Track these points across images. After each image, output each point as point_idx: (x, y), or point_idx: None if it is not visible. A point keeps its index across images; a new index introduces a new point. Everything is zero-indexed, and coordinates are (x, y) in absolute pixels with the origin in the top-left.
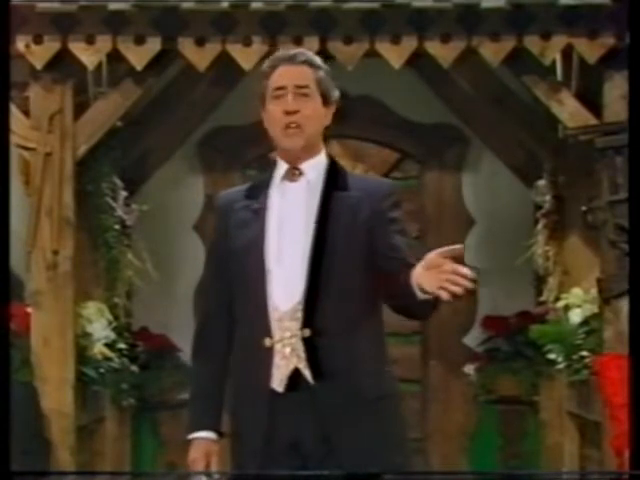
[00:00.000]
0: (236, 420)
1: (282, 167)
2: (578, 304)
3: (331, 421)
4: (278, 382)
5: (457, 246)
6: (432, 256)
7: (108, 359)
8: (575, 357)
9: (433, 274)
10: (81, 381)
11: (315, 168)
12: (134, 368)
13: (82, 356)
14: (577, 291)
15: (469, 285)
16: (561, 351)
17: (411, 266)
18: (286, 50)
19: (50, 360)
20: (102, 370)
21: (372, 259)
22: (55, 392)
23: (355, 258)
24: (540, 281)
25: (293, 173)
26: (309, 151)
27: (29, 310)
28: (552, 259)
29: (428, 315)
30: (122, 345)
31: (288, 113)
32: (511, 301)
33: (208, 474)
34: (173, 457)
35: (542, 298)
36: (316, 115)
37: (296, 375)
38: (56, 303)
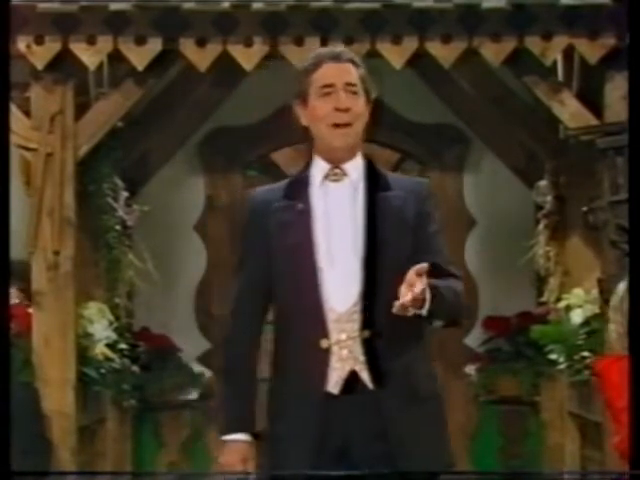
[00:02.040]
0: (283, 422)
1: (321, 166)
2: (579, 304)
3: (390, 422)
4: (333, 384)
5: (421, 265)
6: (409, 274)
7: (109, 359)
8: (576, 357)
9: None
10: (82, 381)
11: (356, 168)
12: (135, 369)
13: (83, 357)
14: (578, 291)
15: (408, 299)
16: (562, 351)
17: (443, 271)
18: (325, 48)
19: (51, 360)
20: (103, 371)
21: (417, 257)
22: (56, 392)
23: (405, 257)
24: (541, 281)
25: (336, 173)
26: (354, 150)
27: (30, 310)
28: (553, 259)
29: (446, 326)
30: (123, 345)
31: (340, 110)
32: (512, 301)
33: (246, 474)
34: (174, 457)
35: (543, 298)
36: (363, 113)
37: (352, 377)
38: (57, 303)
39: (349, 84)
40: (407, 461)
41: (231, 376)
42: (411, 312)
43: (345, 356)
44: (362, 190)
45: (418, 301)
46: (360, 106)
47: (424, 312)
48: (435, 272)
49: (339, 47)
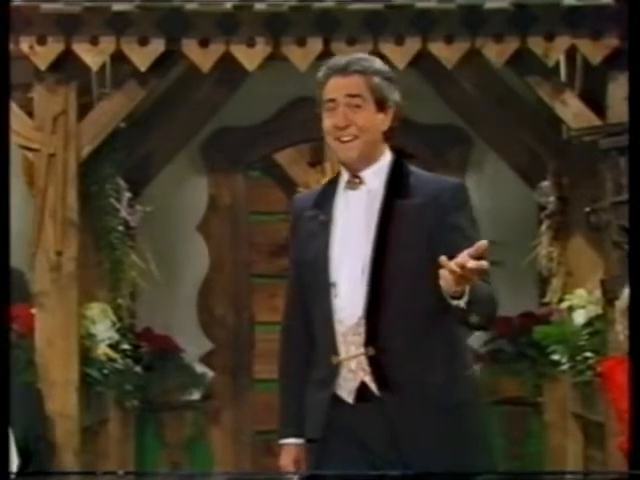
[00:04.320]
0: (307, 429)
1: (344, 175)
2: (582, 305)
3: (399, 431)
4: (347, 394)
5: (480, 243)
6: (458, 259)
7: (112, 360)
8: (579, 358)
9: (445, 274)
10: (85, 382)
11: (377, 175)
12: (138, 369)
13: (86, 357)
14: (581, 292)
15: (468, 273)
16: (565, 352)
17: None
18: (341, 57)
19: (54, 361)
20: (106, 371)
21: (434, 268)
22: (59, 393)
23: (418, 269)
24: (544, 282)
25: (354, 182)
26: (368, 159)
27: (33, 311)
28: (556, 260)
29: (481, 324)
30: (126, 346)
31: (339, 128)
32: (515, 302)
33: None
34: (177, 458)
35: (546, 299)
36: (370, 124)
37: (364, 387)
38: (60, 304)
39: (351, 96)
40: (419, 472)
41: (285, 382)
42: (453, 289)
43: (355, 368)
44: (380, 198)
45: (462, 283)
46: (365, 119)
47: (462, 303)
48: None
49: (352, 56)
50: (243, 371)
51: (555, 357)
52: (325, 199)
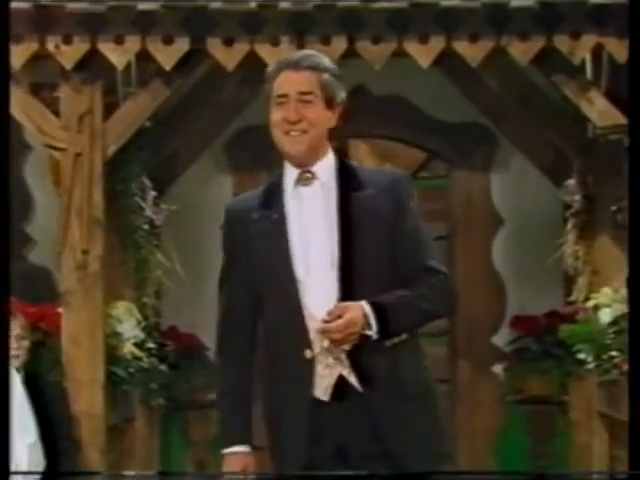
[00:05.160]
0: (276, 434)
1: (292, 171)
2: (608, 304)
3: (382, 422)
4: (322, 391)
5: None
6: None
7: (137, 359)
8: (605, 357)
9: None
10: (111, 381)
11: (326, 169)
12: (163, 367)
13: (112, 356)
14: (607, 291)
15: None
16: (590, 351)
17: (426, 268)
18: (292, 53)
19: (80, 360)
20: (131, 370)
21: (395, 254)
22: (85, 392)
23: (382, 257)
24: (569, 281)
25: (306, 177)
26: (315, 153)
27: (60, 310)
28: (581, 259)
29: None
30: (151, 345)
31: (289, 122)
32: (540, 301)
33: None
34: (202, 456)
35: (571, 298)
36: (319, 120)
37: (341, 382)
38: (86, 303)
39: (302, 93)
40: (402, 459)
41: (226, 395)
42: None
43: (332, 363)
44: (334, 191)
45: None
46: (314, 114)
47: (373, 334)
48: (408, 274)
49: (304, 52)
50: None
51: (581, 356)
52: (271, 198)
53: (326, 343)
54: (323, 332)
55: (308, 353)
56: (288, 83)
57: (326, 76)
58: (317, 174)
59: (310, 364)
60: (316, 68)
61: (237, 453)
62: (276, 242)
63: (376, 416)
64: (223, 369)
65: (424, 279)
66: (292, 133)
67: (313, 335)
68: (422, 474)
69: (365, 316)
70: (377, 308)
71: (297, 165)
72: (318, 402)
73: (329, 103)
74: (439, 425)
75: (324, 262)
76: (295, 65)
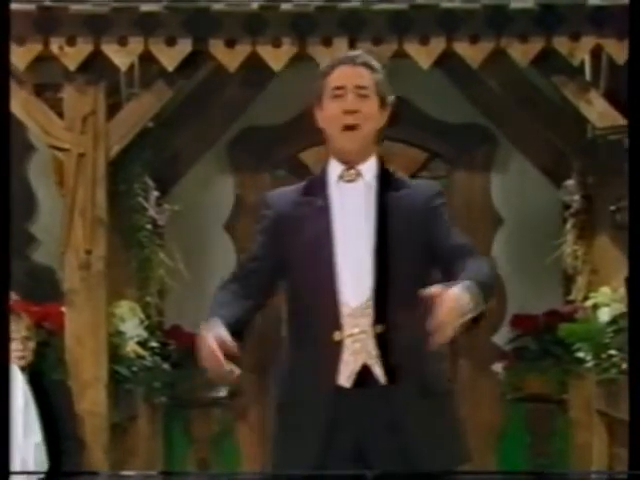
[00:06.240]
0: (293, 415)
1: (336, 167)
2: (606, 303)
3: (401, 416)
4: (345, 378)
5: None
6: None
7: (140, 357)
8: (604, 356)
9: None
10: (114, 379)
11: (369, 170)
12: (166, 366)
13: (115, 354)
14: (605, 290)
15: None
16: (590, 350)
17: (471, 248)
18: (345, 52)
19: (83, 359)
20: (135, 368)
21: (431, 252)
22: (88, 391)
23: (417, 252)
24: (569, 280)
25: (350, 174)
26: (364, 152)
27: (63, 309)
28: (581, 258)
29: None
30: (154, 343)
31: (347, 112)
32: (540, 300)
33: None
34: (204, 454)
35: (571, 297)
36: (373, 115)
37: (365, 371)
38: (89, 302)
39: (359, 87)
40: (419, 455)
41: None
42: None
43: (358, 350)
44: (375, 190)
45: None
46: (370, 108)
47: (474, 313)
48: (462, 253)
49: (358, 51)
50: (269, 368)
51: (580, 355)
52: (315, 189)
53: (357, 329)
54: (439, 324)
55: (337, 335)
56: (345, 76)
57: (379, 76)
58: (362, 172)
59: (338, 348)
60: (370, 66)
61: (215, 328)
62: (318, 224)
63: (396, 408)
64: (223, 294)
65: (474, 257)
66: (348, 127)
67: (344, 320)
68: (422, 474)
69: (466, 298)
70: (473, 288)
71: (345, 162)
72: (339, 389)
73: (382, 102)
74: (457, 425)
75: (361, 250)
76: (351, 61)
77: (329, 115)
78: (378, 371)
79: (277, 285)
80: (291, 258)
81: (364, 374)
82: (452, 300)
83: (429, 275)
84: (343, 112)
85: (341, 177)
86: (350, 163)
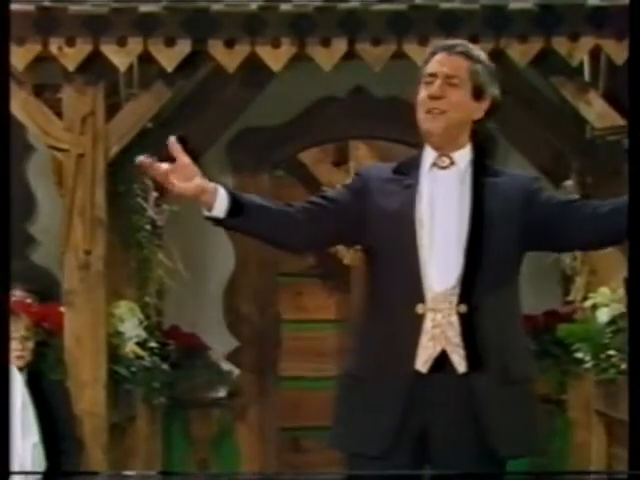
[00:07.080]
0: (366, 396)
1: (430, 154)
2: (605, 303)
3: (479, 405)
4: (422, 363)
5: None
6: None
7: (139, 358)
8: (602, 356)
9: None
10: (113, 380)
11: (463, 158)
12: (165, 367)
13: (114, 355)
14: (604, 290)
15: None
16: (588, 350)
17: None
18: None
19: (82, 359)
20: (134, 369)
21: (531, 233)
22: (87, 391)
23: (511, 236)
24: (567, 280)
25: (443, 161)
26: (454, 139)
27: (62, 310)
28: (579, 259)
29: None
30: (153, 344)
31: (432, 98)
32: (538, 300)
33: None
34: (203, 454)
35: (569, 297)
36: (461, 105)
37: (442, 357)
38: (88, 302)
39: (449, 76)
40: (493, 443)
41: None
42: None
43: (437, 335)
44: (469, 178)
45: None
46: (458, 97)
47: None
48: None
49: (460, 40)
50: (269, 369)
51: (579, 355)
52: (407, 170)
53: (439, 315)
54: None
55: (420, 308)
56: (438, 64)
57: (478, 66)
58: (455, 160)
59: (419, 324)
60: (469, 56)
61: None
62: (404, 201)
63: (475, 397)
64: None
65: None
66: (434, 109)
67: (428, 302)
68: (420, 475)
69: None
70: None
71: (435, 147)
72: (415, 373)
73: (477, 93)
74: (535, 414)
75: (450, 237)
76: (449, 49)
77: (418, 100)
78: (456, 359)
79: (327, 238)
80: (372, 227)
81: (442, 360)
82: None
83: (520, 260)
84: (429, 97)
85: (434, 164)
86: (441, 150)
